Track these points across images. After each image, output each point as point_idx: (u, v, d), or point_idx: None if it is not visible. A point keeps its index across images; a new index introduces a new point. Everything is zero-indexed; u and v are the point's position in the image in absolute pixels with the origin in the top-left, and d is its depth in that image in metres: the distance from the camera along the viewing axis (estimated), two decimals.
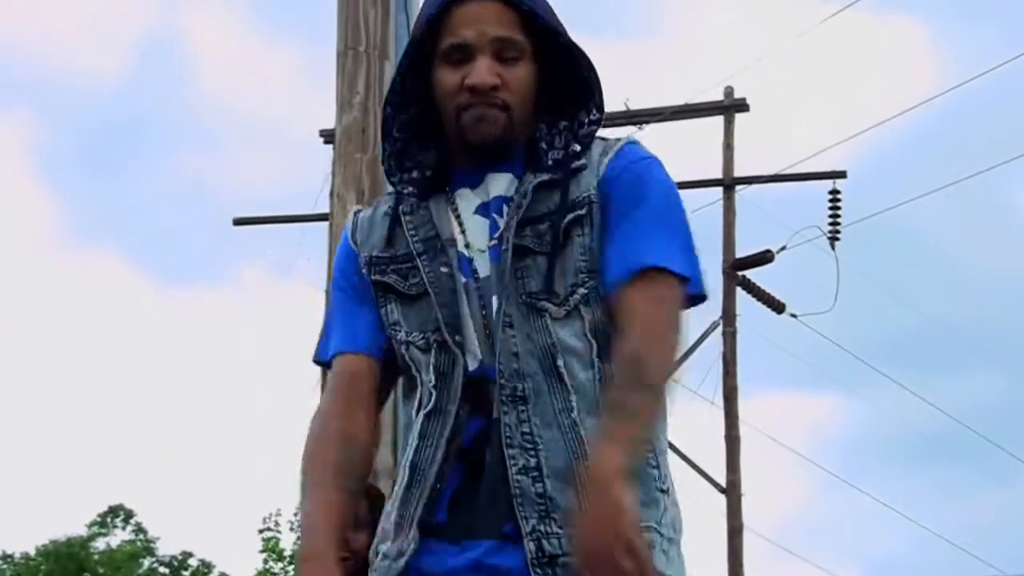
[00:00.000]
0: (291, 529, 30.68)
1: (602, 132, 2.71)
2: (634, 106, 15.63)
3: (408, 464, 2.61)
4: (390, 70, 7.35)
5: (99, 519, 39.56)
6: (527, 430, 2.53)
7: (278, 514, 31.53)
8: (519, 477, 2.51)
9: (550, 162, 2.65)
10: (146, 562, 39.70)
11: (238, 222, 16.27)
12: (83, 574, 37.18)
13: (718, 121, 16.55)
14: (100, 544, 39.31)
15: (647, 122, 15.45)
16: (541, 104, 2.69)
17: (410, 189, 2.71)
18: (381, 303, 2.69)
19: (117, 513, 39.88)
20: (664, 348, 2.52)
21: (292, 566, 27.80)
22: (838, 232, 17.80)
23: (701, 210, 17.01)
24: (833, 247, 17.75)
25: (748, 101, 16.64)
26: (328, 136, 11.52)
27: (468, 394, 2.58)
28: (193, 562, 39.99)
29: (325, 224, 7.75)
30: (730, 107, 16.33)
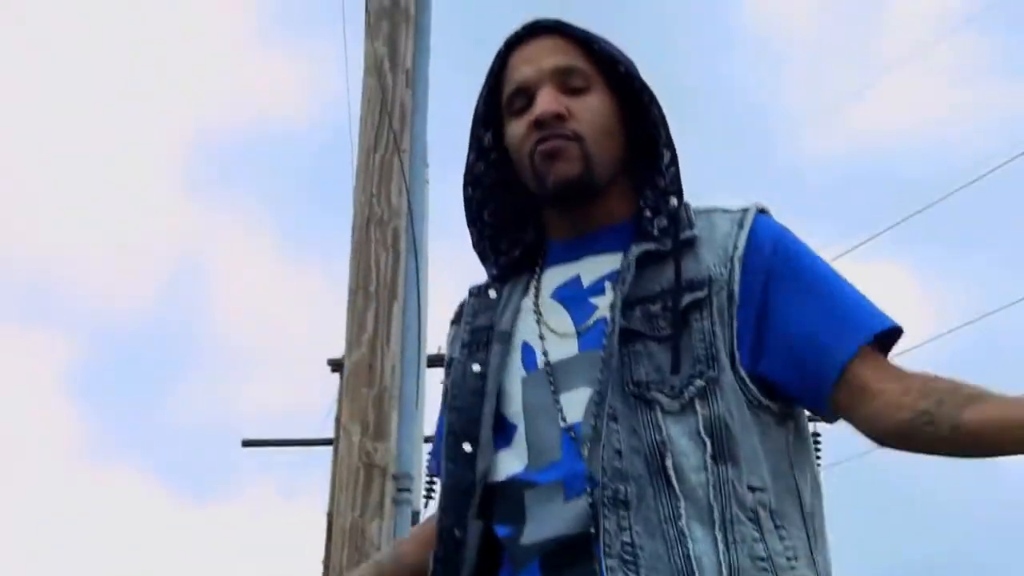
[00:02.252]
0: None
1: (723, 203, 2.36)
2: None
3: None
4: (398, 310, 7.64)
5: None
6: (628, 539, 2.07)
7: None
8: None
9: (656, 231, 2.28)
10: None
11: (246, 444, 16.63)
12: None
13: None
14: None
15: None
16: (630, 161, 2.37)
17: (492, 271, 2.44)
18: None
19: None
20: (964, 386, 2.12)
21: None
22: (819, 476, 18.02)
23: None
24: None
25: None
26: (335, 365, 11.94)
27: (498, 507, 2.21)
28: None
29: (326, 448, 8.06)
30: None
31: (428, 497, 16.29)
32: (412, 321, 7.73)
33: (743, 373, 2.18)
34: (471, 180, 2.44)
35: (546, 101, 2.29)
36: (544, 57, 2.34)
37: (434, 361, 15.28)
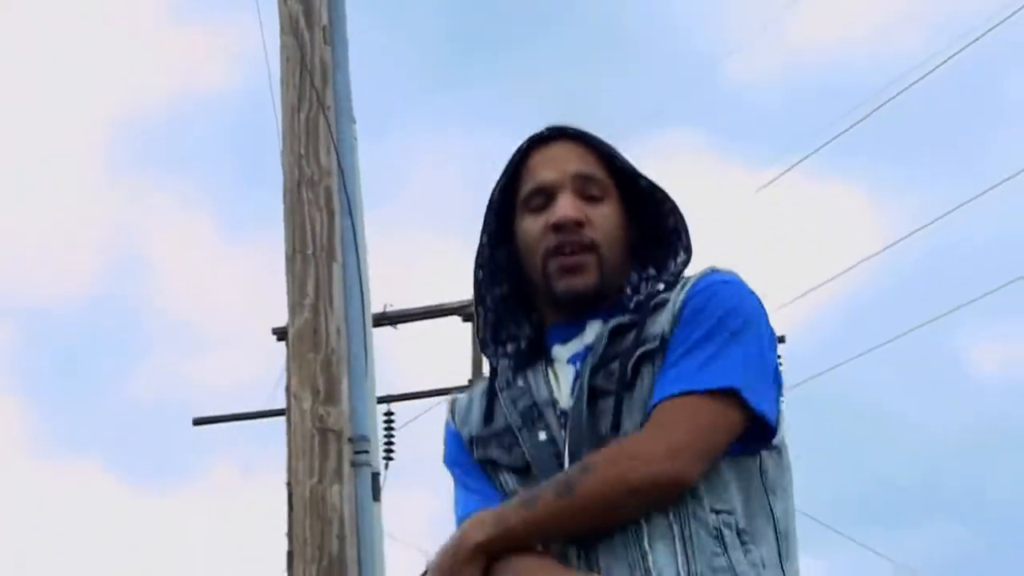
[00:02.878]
0: None
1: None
2: None
3: None
4: (338, 272, 7.60)
5: None
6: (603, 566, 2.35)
7: None
8: None
9: (632, 305, 2.50)
10: None
11: (198, 422, 16.52)
12: None
13: None
14: None
15: None
16: (633, 253, 2.57)
17: (505, 362, 2.60)
18: (493, 477, 2.55)
19: None
20: (616, 467, 2.34)
21: None
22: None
23: None
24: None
25: (687, 271, 17.04)
26: (280, 333, 11.83)
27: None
28: None
29: (282, 419, 7.94)
30: None
31: (387, 458, 16.27)
32: (353, 281, 7.66)
33: None
34: (480, 262, 2.61)
35: (566, 207, 2.48)
36: (567, 162, 2.52)
37: (380, 320, 15.24)
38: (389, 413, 16.38)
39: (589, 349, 2.48)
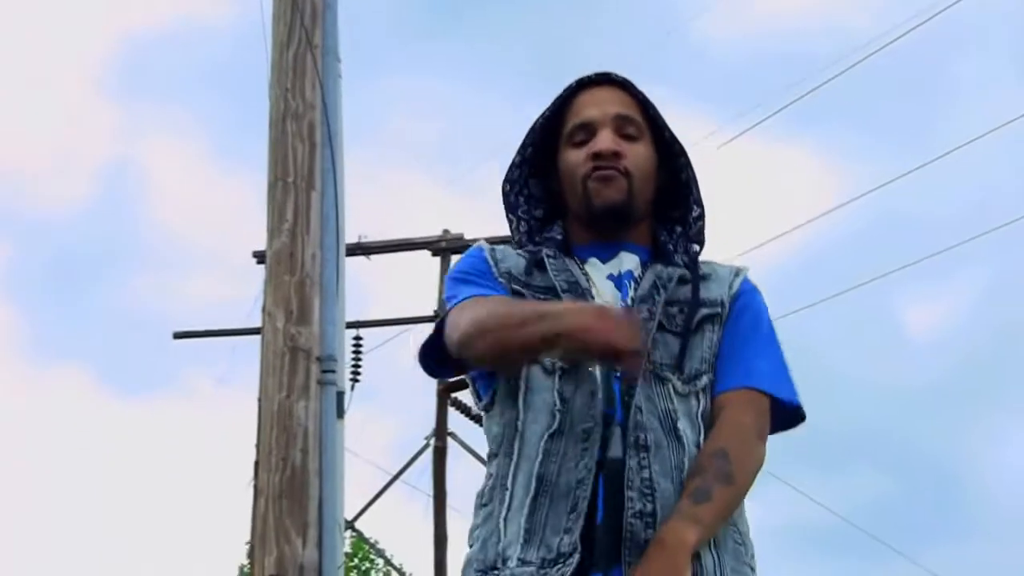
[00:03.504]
0: None
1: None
2: None
3: (534, 475, 2.62)
4: (316, 200, 7.81)
5: None
6: (647, 476, 2.58)
7: None
8: (632, 520, 2.55)
9: (680, 262, 2.82)
10: None
11: (178, 336, 16.88)
12: None
13: None
14: None
15: None
16: (656, 204, 2.87)
17: (549, 248, 2.84)
18: None
19: None
20: (749, 451, 2.67)
21: None
22: None
23: None
24: None
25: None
26: (260, 257, 12.14)
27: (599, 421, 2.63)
28: None
29: (257, 337, 8.24)
30: None
31: (354, 380, 16.63)
32: (330, 210, 7.86)
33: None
34: (509, 179, 2.92)
35: (607, 139, 2.78)
36: (609, 104, 2.83)
37: (354, 250, 15.57)
38: (358, 338, 16.70)
39: (630, 277, 2.79)
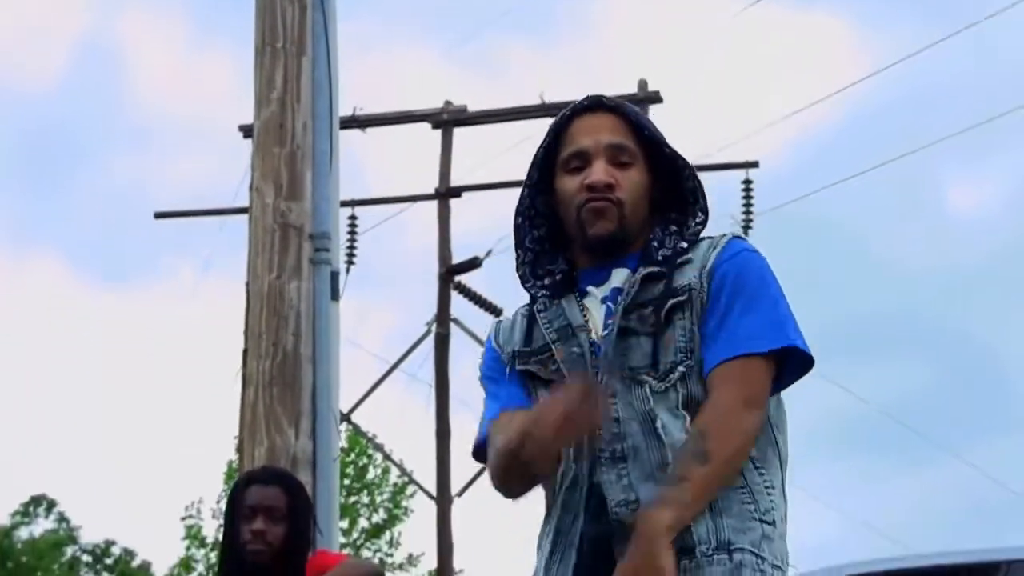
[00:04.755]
0: (213, 516, 30.70)
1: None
2: (549, 99, 15.80)
3: (552, 531, 2.90)
4: (307, 66, 7.49)
5: (21, 509, 39.42)
6: (626, 483, 2.81)
7: (200, 502, 31.48)
8: (618, 509, 2.80)
9: (659, 257, 2.95)
10: (69, 551, 39.59)
11: (159, 216, 16.37)
12: (6, 563, 37.03)
13: None
14: (23, 533, 39.17)
15: None
16: (655, 210, 3.00)
17: (544, 292, 3.02)
18: (531, 390, 2.98)
19: (39, 503, 39.75)
20: (728, 425, 2.80)
21: (214, 553, 27.85)
22: (751, 221, 18.10)
23: None
24: (746, 236, 17.96)
25: (662, 93, 16.91)
26: (247, 131, 11.64)
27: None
28: (116, 550, 39.92)
29: (245, 218, 7.82)
30: (644, 99, 16.42)
31: (349, 262, 16.24)
32: (322, 76, 7.56)
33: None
34: (520, 210, 3.06)
35: (600, 171, 2.93)
36: (603, 132, 2.97)
37: (349, 123, 15.10)
38: (353, 217, 16.31)
39: (619, 291, 2.92)
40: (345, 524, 28.03)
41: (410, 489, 28.89)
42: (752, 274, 2.92)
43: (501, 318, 3.19)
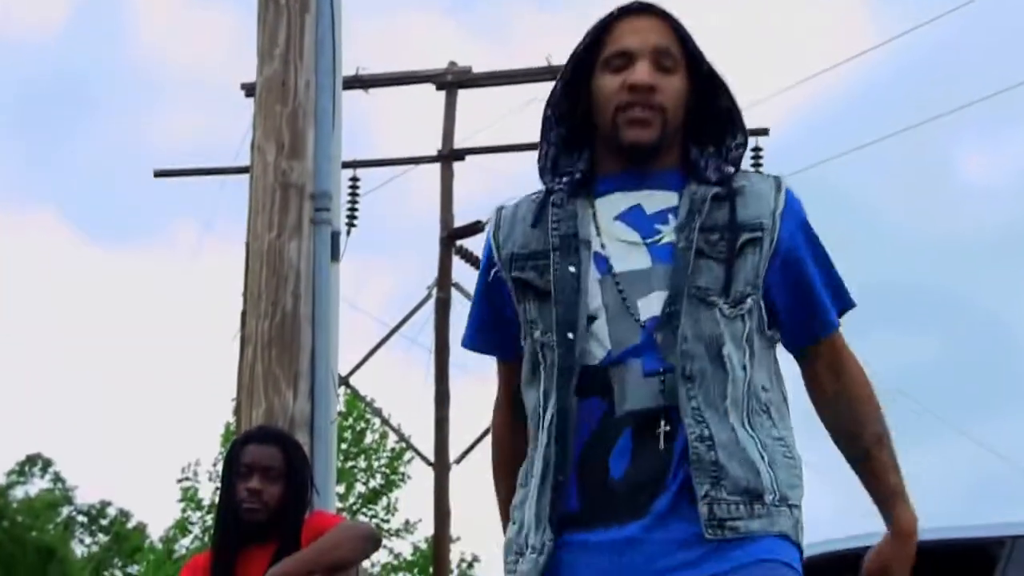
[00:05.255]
0: (209, 479, 30.68)
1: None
2: (555, 62, 15.70)
3: (541, 459, 2.79)
4: (311, 23, 7.43)
5: (17, 468, 39.47)
6: (695, 405, 2.72)
7: (196, 464, 31.42)
8: (696, 444, 2.69)
9: (712, 178, 2.89)
10: (64, 510, 39.66)
11: (159, 174, 16.23)
12: (1, 522, 37.07)
13: None
14: (19, 492, 39.24)
15: None
16: (690, 125, 2.95)
17: (562, 186, 2.94)
18: (520, 299, 2.90)
19: (35, 462, 39.82)
20: (871, 397, 2.99)
21: (210, 515, 27.82)
22: None
23: None
24: None
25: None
26: (250, 90, 11.54)
27: (590, 384, 2.77)
28: (111, 511, 40.02)
29: (246, 177, 7.74)
30: None
31: (350, 224, 16.15)
32: (326, 34, 7.48)
33: (762, 303, 2.86)
34: (551, 102, 2.99)
35: (644, 72, 2.86)
36: (649, 34, 2.90)
37: (352, 83, 14.98)
38: (355, 179, 16.21)
39: (669, 212, 2.86)
40: (342, 489, 27.97)
41: (408, 455, 28.85)
42: (814, 231, 2.96)
43: (503, 204, 3.08)
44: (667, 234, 2.85)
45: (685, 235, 2.82)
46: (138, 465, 52.54)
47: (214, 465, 30.03)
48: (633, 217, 2.89)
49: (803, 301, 2.92)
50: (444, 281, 16.49)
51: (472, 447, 16.56)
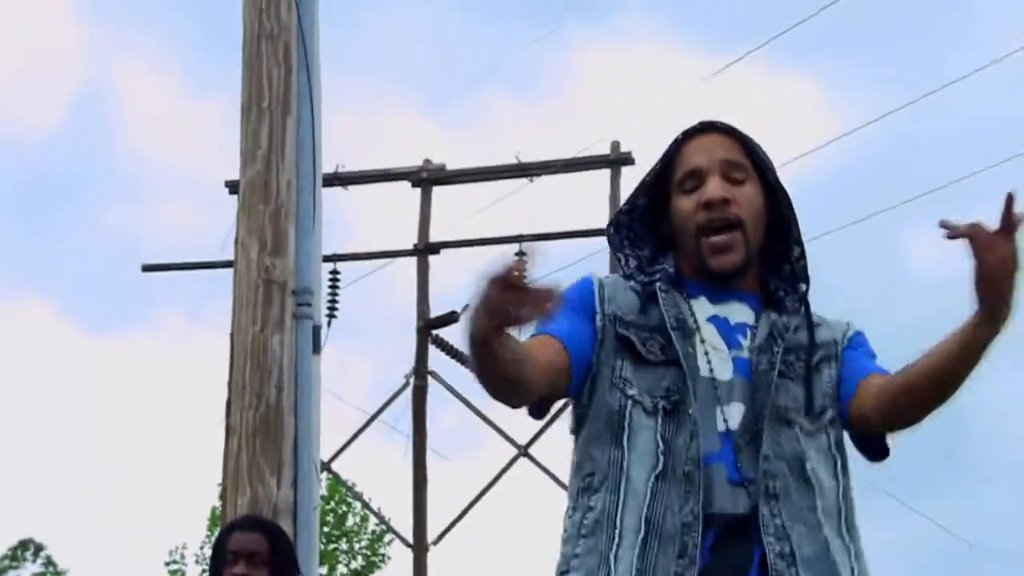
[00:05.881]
0: (196, 562, 30.70)
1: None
2: (525, 159, 15.95)
3: (643, 517, 2.77)
4: (292, 126, 7.61)
5: (9, 553, 39.36)
6: (779, 523, 2.77)
7: (184, 547, 31.50)
8: (776, 561, 2.75)
9: (791, 308, 2.97)
10: None
11: (147, 268, 16.51)
12: None
13: (605, 174, 16.69)
14: None
15: (537, 174, 15.73)
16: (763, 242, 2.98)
17: (660, 282, 2.96)
18: (617, 356, 2.89)
19: (27, 547, 39.68)
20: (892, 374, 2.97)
21: None
22: None
23: (585, 259, 17.17)
24: None
25: (634, 155, 17.00)
26: (233, 187, 11.81)
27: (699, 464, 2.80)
28: None
29: (230, 271, 7.97)
30: (616, 160, 16.38)
31: (331, 315, 16.36)
32: (306, 136, 7.67)
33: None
34: (616, 223, 3.03)
35: (716, 187, 2.89)
36: (716, 150, 2.94)
37: (331, 180, 15.26)
38: (335, 272, 16.45)
39: (746, 328, 2.92)
40: (324, 570, 28.06)
41: (388, 537, 28.94)
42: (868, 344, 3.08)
43: (603, 276, 3.04)
44: (745, 349, 2.91)
45: (767, 357, 2.89)
46: (127, 548, 52.41)
47: (201, 548, 30.11)
48: (719, 324, 2.93)
49: (857, 365, 2.99)
50: (421, 369, 16.69)
51: (449, 528, 16.70)
